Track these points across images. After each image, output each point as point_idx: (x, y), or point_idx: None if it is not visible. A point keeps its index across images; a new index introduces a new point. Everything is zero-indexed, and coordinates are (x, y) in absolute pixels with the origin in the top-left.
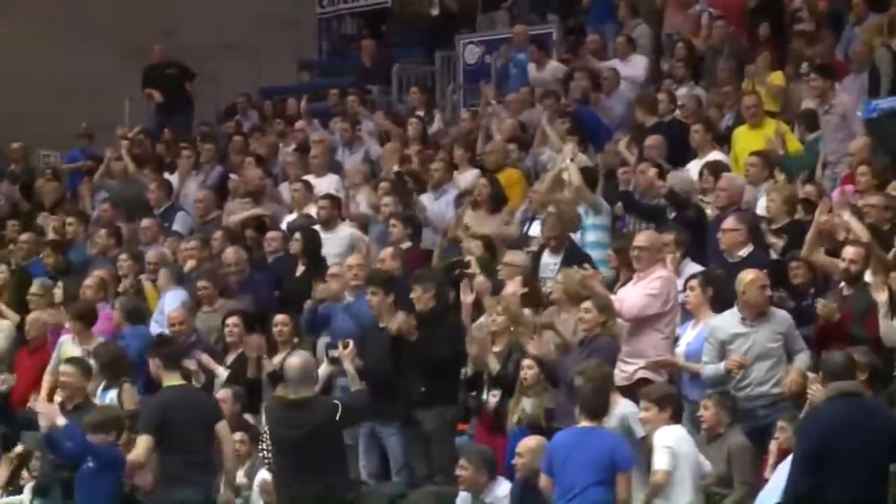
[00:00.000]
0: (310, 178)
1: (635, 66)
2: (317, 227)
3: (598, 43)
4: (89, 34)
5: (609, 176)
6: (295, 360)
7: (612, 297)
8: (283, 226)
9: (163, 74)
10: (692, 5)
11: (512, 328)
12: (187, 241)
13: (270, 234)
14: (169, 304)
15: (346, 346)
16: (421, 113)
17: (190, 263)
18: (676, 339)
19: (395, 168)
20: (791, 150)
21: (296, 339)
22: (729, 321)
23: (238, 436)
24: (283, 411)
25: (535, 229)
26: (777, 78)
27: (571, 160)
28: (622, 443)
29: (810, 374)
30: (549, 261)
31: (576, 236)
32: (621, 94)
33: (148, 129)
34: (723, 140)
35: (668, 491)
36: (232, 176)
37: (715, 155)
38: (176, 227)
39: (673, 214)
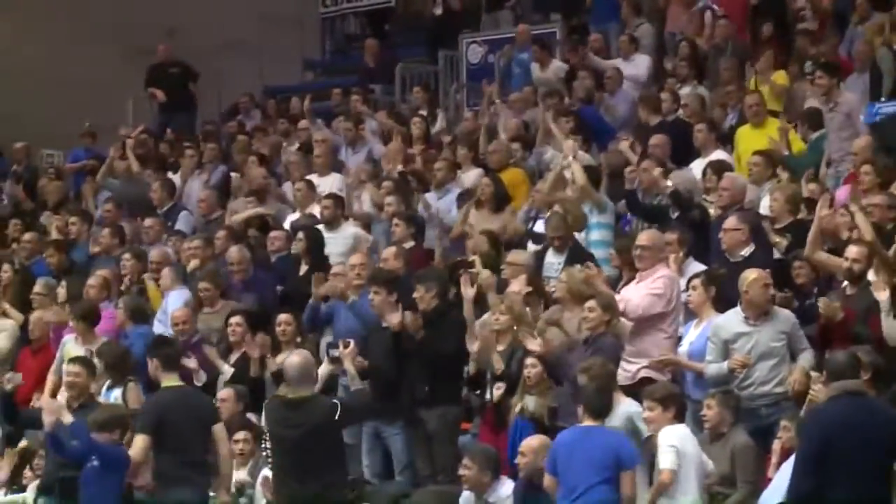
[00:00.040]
0: (313, 177)
1: (638, 66)
2: (320, 226)
3: (601, 42)
4: (92, 34)
5: (613, 175)
6: (294, 360)
7: (616, 296)
8: (287, 225)
9: (166, 74)
10: (695, 4)
11: (515, 327)
12: (190, 240)
13: (274, 234)
14: (172, 303)
15: (346, 346)
16: (424, 112)
17: (193, 263)
18: (679, 339)
19: (399, 168)
20: (794, 149)
21: (299, 339)
22: (732, 320)
23: (241, 435)
24: (282, 410)
25: (538, 228)
26: (780, 77)
27: (573, 158)
28: (626, 441)
29: (813, 374)
30: (553, 260)
31: (580, 235)
32: (624, 94)
33: (151, 129)
34: (726, 139)
35: (672, 490)
36: (234, 175)
37: (718, 154)
38: (179, 226)
39: (676, 214)
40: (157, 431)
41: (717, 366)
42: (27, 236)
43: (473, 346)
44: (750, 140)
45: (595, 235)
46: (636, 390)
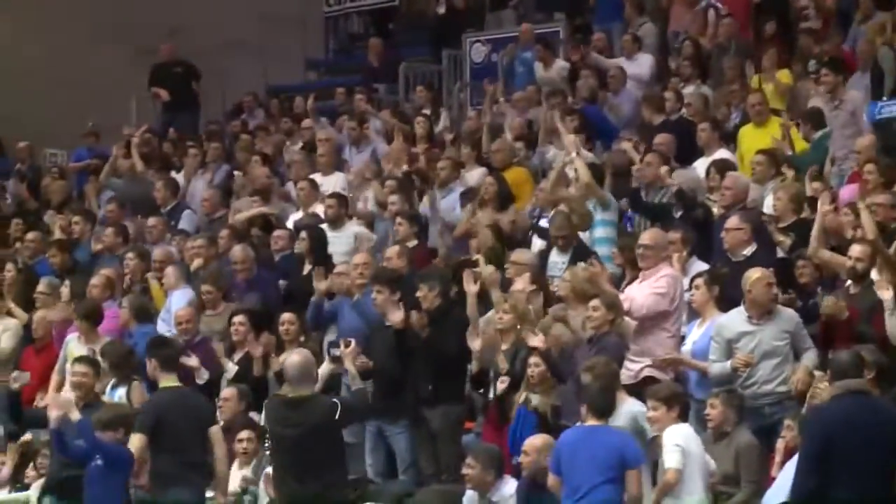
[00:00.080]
0: (316, 176)
1: (641, 65)
2: (324, 225)
3: (604, 41)
4: (96, 33)
5: (616, 174)
6: (294, 359)
7: (620, 295)
8: (290, 224)
9: (169, 73)
10: (698, 3)
11: (518, 326)
12: (194, 239)
13: (277, 233)
14: (176, 302)
15: (347, 345)
16: (427, 111)
17: (196, 262)
18: (682, 338)
19: (404, 167)
20: (797, 148)
21: (302, 338)
22: (735, 320)
23: (244, 434)
24: (282, 410)
25: (543, 225)
26: (784, 76)
27: (576, 154)
28: (630, 440)
29: (817, 373)
30: (557, 259)
31: (584, 232)
32: (628, 93)
33: (154, 128)
34: (730, 138)
35: (678, 490)
36: (236, 174)
37: (722, 153)
38: (182, 225)
39: (679, 213)
40: (155, 431)
41: (720, 365)
42: (30, 236)
43: (476, 344)
44: (752, 139)
45: (599, 233)
46: (639, 389)
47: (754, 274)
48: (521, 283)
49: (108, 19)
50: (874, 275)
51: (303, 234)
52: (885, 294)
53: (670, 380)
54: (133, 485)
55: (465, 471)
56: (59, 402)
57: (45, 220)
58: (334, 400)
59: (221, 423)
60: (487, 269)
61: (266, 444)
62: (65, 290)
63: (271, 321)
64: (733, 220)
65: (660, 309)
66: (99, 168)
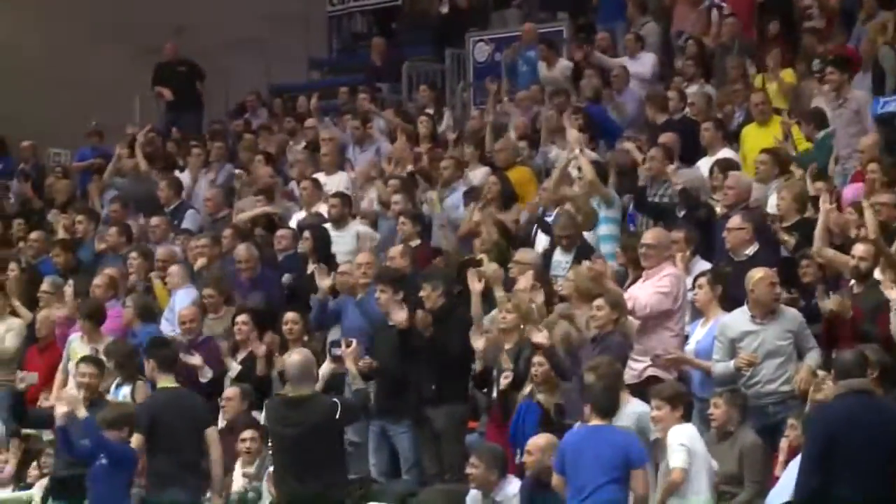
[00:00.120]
0: (320, 175)
1: (644, 64)
2: (328, 224)
3: (608, 41)
4: (99, 32)
5: (621, 173)
6: (295, 358)
7: (624, 294)
8: (293, 224)
9: (173, 72)
10: (702, 2)
11: (522, 325)
12: (197, 238)
13: (280, 232)
14: (180, 302)
15: (348, 345)
16: (431, 111)
17: (200, 261)
18: (686, 337)
19: (409, 167)
20: (800, 147)
21: (306, 337)
22: (739, 319)
23: (248, 433)
24: (282, 409)
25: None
26: (788, 75)
27: (580, 151)
28: (635, 439)
29: (820, 372)
30: (561, 259)
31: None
32: (631, 92)
33: (158, 128)
34: (733, 138)
35: (684, 489)
36: (237, 172)
37: (725, 153)
38: (185, 224)
39: (682, 212)
40: (151, 431)
41: (724, 364)
42: (34, 235)
43: (479, 343)
44: (756, 138)
45: (603, 230)
46: (642, 389)
47: (757, 273)
48: (525, 282)
49: (112, 18)
50: (878, 274)
51: (306, 233)
52: (892, 293)
53: (674, 379)
54: (137, 484)
55: (468, 470)
56: (66, 398)
57: (49, 220)
58: (334, 399)
59: (224, 422)
60: (491, 267)
61: (269, 444)
62: (68, 290)
63: (275, 320)
64: (735, 220)
65: (663, 308)
66: (102, 167)
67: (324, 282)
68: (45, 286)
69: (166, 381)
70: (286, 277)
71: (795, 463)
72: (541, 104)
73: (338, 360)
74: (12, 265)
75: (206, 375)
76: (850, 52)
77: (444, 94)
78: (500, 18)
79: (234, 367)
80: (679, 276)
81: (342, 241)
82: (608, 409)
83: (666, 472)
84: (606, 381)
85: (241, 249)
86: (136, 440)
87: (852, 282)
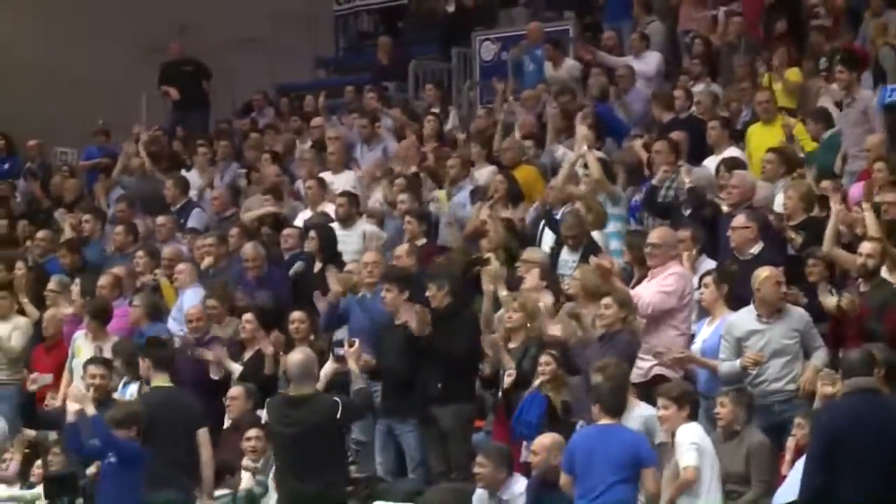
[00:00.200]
0: (326, 174)
1: (648, 63)
2: (335, 223)
3: (615, 40)
4: (106, 31)
5: (629, 171)
6: (296, 357)
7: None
8: (299, 223)
9: (180, 71)
10: (708, 1)
11: (528, 324)
12: (204, 237)
13: (286, 231)
14: (188, 301)
15: (351, 345)
16: (437, 110)
17: (207, 260)
18: (692, 336)
19: (413, 167)
20: (806, 148)
21: (312, 337)
22: (745, 318)
23: (253, 432)
24: (283, 408)
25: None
26: (794, 74)
27: (587, 148)
28: (643, 439)
29: (825, 371)
30: (568, 258)
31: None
32: (638, 91)
33: (164, 127)
34: (740, 136)
35: (696, 488)
36: (240, 171)
37: (732, 151)
38: (191, 223)
39: (688, 211)
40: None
41: (730, 363)
42: (41, 234)
43: (491, 344)
44: (761, 137)
45: (610, 227)
46: (649, 388)
47: (763, 273)
48: (531, 281)
49: (117, 17)
50: (885, 273)
51: (312, 233)
52: None
53: (680, 378)
54: None
55: (476, 470)
56: (73, 394)
57: (57, 217)
58: (335, 399)
59: (230, 421)
60: (494, 266)
61: None
62: (75, 289)
63: (281, 319)
64: (740, 219)
65: (666, 307)
66: (109, 166)
67: (335, 286)
68: (51, 285)
69: (161, 380)
70: (297, 265)
71: (802, 462)
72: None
73: (340, 359)
74: (19, 264)
75: (219, 373)
76: (857, 50)
77: (450, 93)
78: (507, 17)
79: (236, 369)
80: (684, 274)
81: (349, 241)
82: (616, 408)
83: (675, 472)
84: (614, 382)
85: (248, 248)
86: None
87: (859, 280)
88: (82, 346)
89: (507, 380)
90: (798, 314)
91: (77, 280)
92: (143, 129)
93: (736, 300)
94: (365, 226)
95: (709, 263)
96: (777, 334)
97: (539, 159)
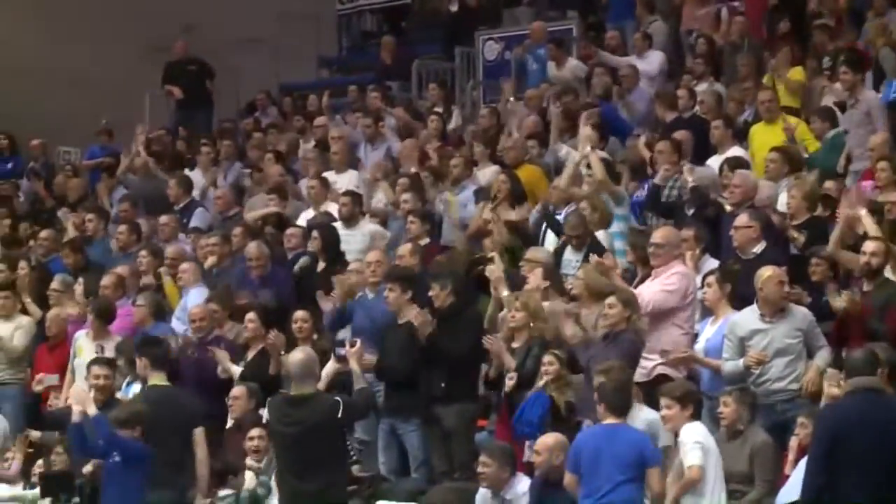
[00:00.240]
0: (330, 174)
1: (651, 62)
2: (338, 223)
3: (618, 39)
4: (109, 30)
5: (635, 170)
6: (297, 356)
7: None
8: (302, 222)
9: (183, 71)
10: (711, 1)
11: (532, 323)
12: (208, 237)
13: (290, 231)
14: (192, 300)
15: (352, 345)
16: (440, 109)
17: (210, 260)
18: (695, 336)
19: (413, 168)
20: (810, 148)
21: (315, 336)
22: (748, 318)
23: (255, 431)
24: (284, 407)
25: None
26: (797, 73)
27: (591, 149)
28: (648, 438)
29: (829, 371)
30: (571, 257)
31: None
32: (641, 91)
33: (168, 126)
34: (743, 136)
35: (701, 487)
36: (245, 171)
37: (735, 151)
38: (194, 223)
39: (692, 211)
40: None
41: (733, 363)
42: (44, 233)
43: (497, 345)
44: (764, 136)
45: (613, 227)
46: (652, 387)
47: (766, 272)
48: (535, 281)
49: (121, 16)
50: (888, 273)
51: (314, 233)
52: None
53: (683, 378)
54: None
55: (480, 469)
56: (74, 395)
57: (60, 216)
58: (336, 398)
59: (232, 420)
60: (491, 267)
61: None
62: (78, 288)
63: (285, 318)
64: (742, 218)
65: (667, 306)
66: (112, 166)
67: (343, 291)
68: (54, 284)
69: (157, 379)
70: (303, 259)
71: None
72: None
73: (342, 359)
74: (22, 264)
75: (229, 371)
76: (860, 50)
77: (453, 93)
78: (510, 17)
79: (235, 372)
80: (687, 274)
81: (353, 240)
82: (622, 407)
83: (679, 471)
84: (617, 384)
85: (252, 247)
86: None
87: (862, 280)
88: (83, 346)
89: (509, 383)
90: (801, 314)
91: (80, 279)
92: (145, 129)
93: (739, 299)
94: (368, 225)
95: (712, 263)
96: (780, 334)
97: (542, 158)
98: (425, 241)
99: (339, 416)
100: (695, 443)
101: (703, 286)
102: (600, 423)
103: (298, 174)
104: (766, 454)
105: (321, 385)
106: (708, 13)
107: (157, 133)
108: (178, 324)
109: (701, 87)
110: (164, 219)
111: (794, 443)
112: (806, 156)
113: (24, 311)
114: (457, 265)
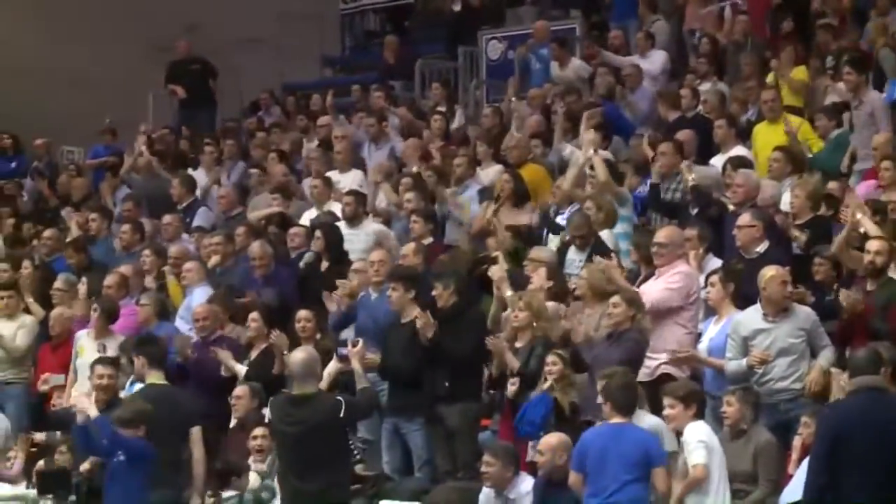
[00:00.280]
0: (333, 173)
1: (653, 62)
2: (342, 223)
3: (621, 38)
4: (113, 30)
5: (639, 169)
6: (299, 356)
7: None
8: (305, 221)
9: (186, 70)
10: (714, 1)
11: (535, 323)
12: (211, 236)
13: (293, 230)
14: (196, 300)
15: (354, 345)
16: (443, 109)
17: (214, 259)
18: (699, 335)
19: (416, 167)
20: (813, 148)
21: (318, 335)
22: (751, 317)
23: (258, 431)
24: (286, 407)
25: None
26: (800, 72)
27: (594, 151)
28: (654, 438)
29: (833, 370)
30: (575, 257)
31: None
32: (644, 90)
33: (171, 126)
34: (746, 135)
35: (705, 486)
36: (251, 171)
37: (738, 150)
38: (197, 222)
39: (695, 210)
40: None
41: (736, 362)
42: (47, 233)
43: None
44: (767, 136)
45: (617, 228)
46: (655, 386)
47: (769, 272)
48: (538, 281)
49: (124, 16)
50: (892, 272)
51: (317, 232)
52: None
53: (687, 377)
54: None
55: (484, 468)
56: (76, 399)
57: (64, 215)
58: (338, 398)
59: (235, 420)
60: (493, 268)
61: None
62: (82, 288)
63: (288, 317)
64: (745, 218)
65: (670, 305)
66: (115, 165)
67: (347, 294)
68: (58, 284)
69: (155, 378)
70: (307, 256)
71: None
72: (554, 101)
73: (344, 359)
74: (25, 263)
75: (232, 370)
76: (863, 51)
77: (456, 92)
78: (513, 16)
79: (241, 371)
80: (690, 273)
81: (356, 240)
82: (627, 406)
83: (683, 470)
84: (622, 383)
85: (256, 247)
86: None
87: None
88: (85, 346)
89: (511, 388)
90: (804, 313)
91: (84, 279)
92: (148, 128)
93: (742, 299)
94: (372, 225)
95: (715, 262)
96: (783, 333)
97: (546, 158)
98: (429, 240)
99: (341, 415)
100: (699, 442)
101: (706, 286)
102: (606, 421)
103: (302, 174)
104: (770, 453)
105: (323, 384)
106: (711, 12)
107: (161, 132)
108: (182, 323)
109: (704, 87)
110: (167, 218)
111: (797, 442)
112: (809, 156)
113: (28, 311)
114: (460, 265)
